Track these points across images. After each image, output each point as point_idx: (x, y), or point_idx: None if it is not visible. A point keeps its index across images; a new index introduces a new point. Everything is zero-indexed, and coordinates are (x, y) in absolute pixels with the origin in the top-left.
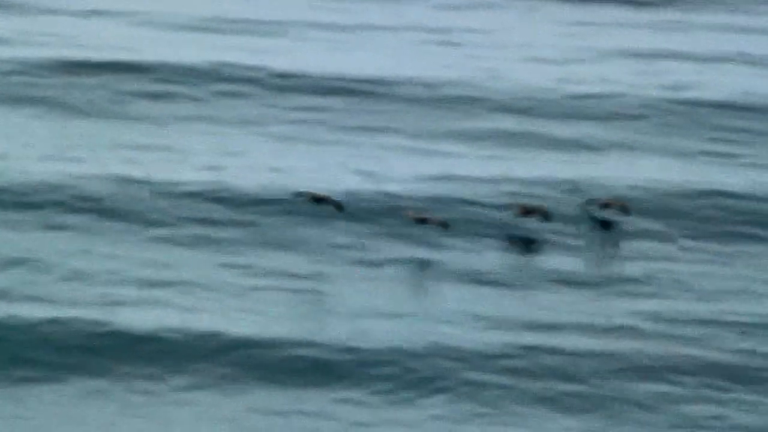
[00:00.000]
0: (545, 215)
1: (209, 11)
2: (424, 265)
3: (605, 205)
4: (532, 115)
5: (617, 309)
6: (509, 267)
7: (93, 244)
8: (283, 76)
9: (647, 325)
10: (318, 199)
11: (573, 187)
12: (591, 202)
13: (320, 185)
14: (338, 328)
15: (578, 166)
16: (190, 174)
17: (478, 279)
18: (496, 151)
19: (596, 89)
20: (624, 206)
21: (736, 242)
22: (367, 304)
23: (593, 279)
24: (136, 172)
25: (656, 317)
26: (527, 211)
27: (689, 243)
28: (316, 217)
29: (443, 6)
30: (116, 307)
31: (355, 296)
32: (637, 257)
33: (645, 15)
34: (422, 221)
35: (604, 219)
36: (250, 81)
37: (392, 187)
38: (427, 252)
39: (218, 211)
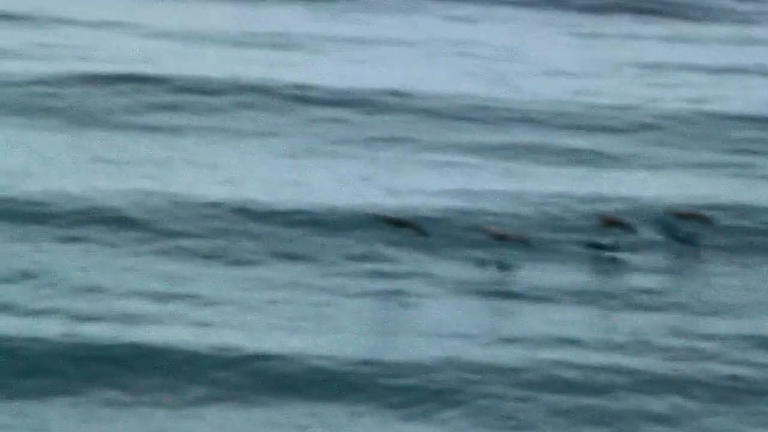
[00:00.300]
0: (629, 228)
1: (225, 24)
2: (441, 278)
3: (684, 217)
4: (550, 128)
5: (635, 322)
6: (527, 281)
7: (111, 257)
8: (300, 88)
9: (665, 339)
10: (397, 223)
11: (594, 200)
12: (668, 213)
13: (340, 198)
14: (355, 341)
15: (599, 179)
16: (208, 187)
17: (495, 292)
18: (516, 164)
19: (614, 101)
20: (705, 218)
21: (757, 255)
22: (384, 317)
23: (611, 292)
24: (155, 185)
25: (675, 331)
26: (610, 222)
27: (709, 255)
28: (336, 230)
29: (459, 18)
30: (134, 320)
31: (372, 309)
32: (656, 270)
33: (661, 27)
34: (502, 238)
35: (685, 232)
36: (267, 93)
37: (412, 201)
38: (446, 265)
39: (237, 224)
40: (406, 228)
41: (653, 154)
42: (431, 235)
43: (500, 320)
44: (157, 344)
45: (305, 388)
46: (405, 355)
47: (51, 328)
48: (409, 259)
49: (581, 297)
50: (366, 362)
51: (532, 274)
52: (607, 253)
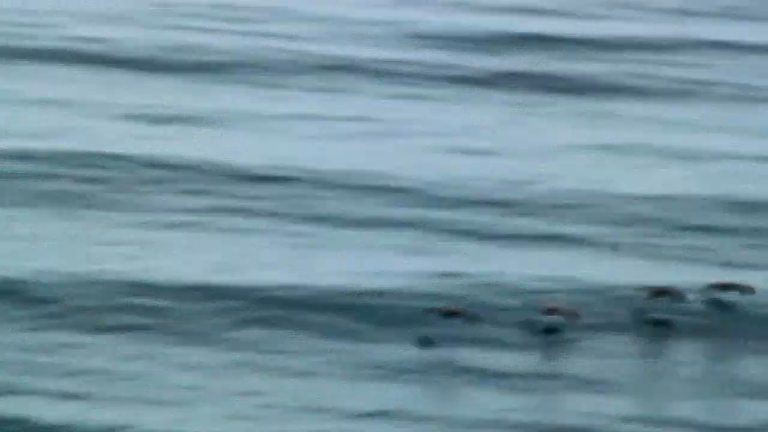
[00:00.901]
0: (679, 297)
1: (141, 99)
2: (336, 355)
3: (726, 287)
4: (460, 205)
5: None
6: (467, 361)
7: (3, 333)
8: (211, 164)
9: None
10: (450, 314)
11: (497, 281)
12: (714, 285)
13: (240, 274)
14: (226, 419)
15: (507, 260)
16: (114, 263)
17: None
18: (423, 243)
19: (528, 179)
20: (746, 288)
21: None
22: (272, 391)
23: (552, 374)
24: (59, 261)
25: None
26: (659, 293)
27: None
28: (231, 306)
29: (377, 95)
30: (24, 398)
31: (252, 384)
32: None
33: (568, 104)
34: (552, 311)
35: (722, 301)
36: (177, 169)
37: (322, 280)
38: (344, 345)
39: (132, 298)
40: (458, 317)
41: (569, 233)
42: (484, 322)
43: (434, 400)
44: (48, 423)
45: None
46: None
47: None
48: (305, 337)
49: (519, 379)
50: None
51: (471, 355)
52: (548, 335)
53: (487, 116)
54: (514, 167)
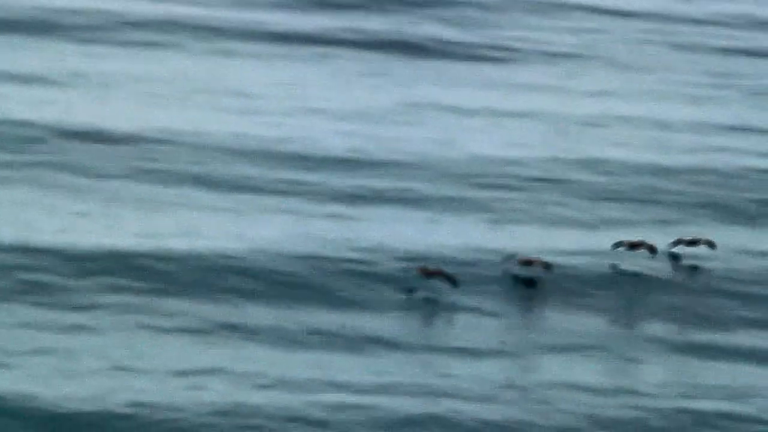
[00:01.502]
0: (653, 250)
1: None
2: (170, 313)
3: (633, 246)
4: (304, 166)
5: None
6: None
7: None
8: (42, 123)
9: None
10: (429, 274)
11: (347, 242)
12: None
13: (91, 235)
14: (92, 381)
15: (360, 219)
16: None
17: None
18: (270, 202)
19: (368, 139)
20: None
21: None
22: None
23: (427, 339)
24: None
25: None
26: (633, 246)
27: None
28: (83, 267)
29: (206, 53)
30: None
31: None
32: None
33: (418, 65)
34: (528, 263)
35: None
36: (22, 127)
37: (165, 241)
38: (187, 304)
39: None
40: (437, 277)
41: (408, 191)
42: (461, 284)
43: (277, 357)
44: None
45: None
46: (133, 396)
47: None
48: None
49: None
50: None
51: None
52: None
53: (321, 76)
54: (353, 127)
